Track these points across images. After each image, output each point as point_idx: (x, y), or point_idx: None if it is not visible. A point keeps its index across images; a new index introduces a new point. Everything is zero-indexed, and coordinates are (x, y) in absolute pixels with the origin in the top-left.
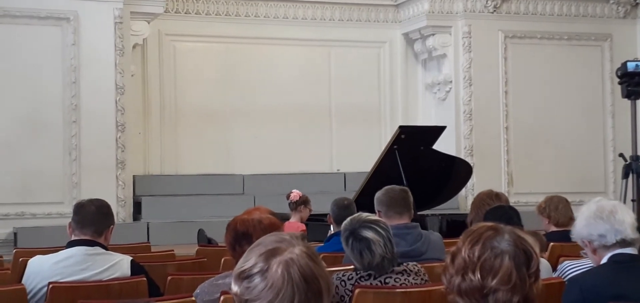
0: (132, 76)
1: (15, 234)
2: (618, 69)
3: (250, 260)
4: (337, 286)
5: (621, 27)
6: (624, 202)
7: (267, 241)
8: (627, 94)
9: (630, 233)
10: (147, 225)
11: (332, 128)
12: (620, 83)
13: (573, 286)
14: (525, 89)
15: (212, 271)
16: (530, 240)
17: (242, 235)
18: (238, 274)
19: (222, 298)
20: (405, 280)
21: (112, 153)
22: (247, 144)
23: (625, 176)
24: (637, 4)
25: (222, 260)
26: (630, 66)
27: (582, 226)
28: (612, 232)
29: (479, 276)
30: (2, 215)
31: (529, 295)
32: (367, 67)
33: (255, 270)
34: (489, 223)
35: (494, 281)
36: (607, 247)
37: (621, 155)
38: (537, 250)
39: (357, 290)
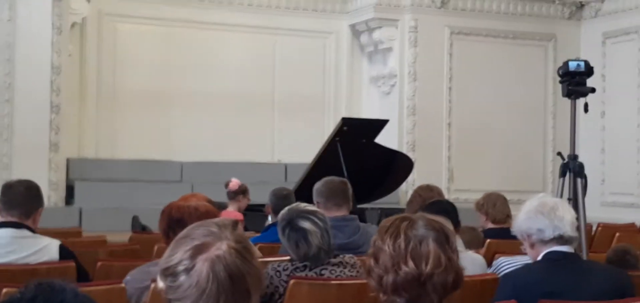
0: (69, 55)
1: None
2: (560, 68)
3: (176, 255)
4: (271, 277)
5: (565, 28)
6: None
7: (195, 234)
8: (568, 93)
9: (569, 231)
10: (80, 210)
11: (274, 117)
12: (561, 82)
13: (506, 282)
14: (469, 86)
15: (144, 258)
16: (441, 219)
17: (176, 222)
18: (163, 270)
19: (152, 285)
20: (340, 272)
21: (46, 134)
22: (187, 130)
23: (562, 174)
24: (582, 5)
25: (156, 247)
26: (572, 65)
27: (522, 220)
28: (550, 228)
29: (412, 264)
30: None
31: (458, 271)
32: (312, 57)
33: (180, 268)
34: (400, 215)
35: (428, 267)
36: (545, 242)
37: (559, 154)
38: (451, 226)
39: (291, 282)
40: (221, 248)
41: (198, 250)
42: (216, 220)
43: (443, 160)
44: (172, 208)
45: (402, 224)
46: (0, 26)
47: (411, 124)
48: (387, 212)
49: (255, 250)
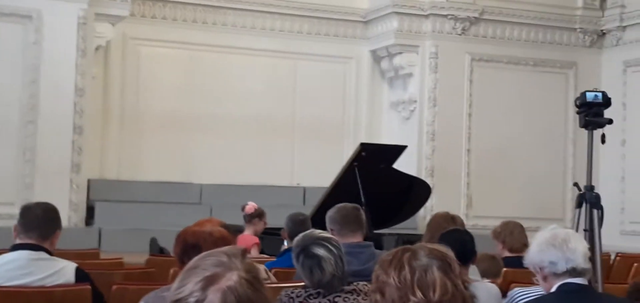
0: (93, 78)
1: None
2: (577, 99)
3: (186, 287)
4: None
5: (586, 56)
6: (577, 232)
7: (205, 264)
8: (585, 124)
9: (582, 263)
10: (100, 230)
11: (294, 141)
12: (578, 112)
13: None
14: (489, 112)
15: (160, 282)
16: (441, 247)
17: (191, 247)
18: (174, 302)
19: None
20: (354, 300)
21: (68, 155)
22: (207, 153)
23: (579, 205)
24: (603, 34)
25: (171, 271)
26: (589, 96)
27: (534, 253)
28: (563, 260)
29: (420, 294)
30: None
31: (465, 298)
32: (332, 82)
33: (192, 299)
34: (401, 247)
35: (436, 295)
36: (558, 275)
37: (575, 184)
38: (452, 253)
39: None
40: (232, 278)
41: (209, 281)
42: (225, 249)
43: (462, 186)
44: (187, 233)
45: (404, 255)
46: (26, 49)
47: (430, 150)
48: (404, 238)
49: (271, 276)
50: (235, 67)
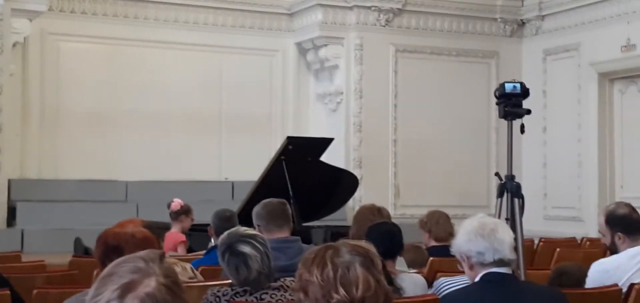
0: (11, 75)
1: None
2: (496, 90)
3: (103, 295)
4: (211, 302)
5: (507, 46)
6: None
7: (121, 271)
8: (504, 115)
9: (508, 254)
10: (22, 231)
11: (221, 135)
12: (498, 103)
13: None
14: (415, 102)
15: (83, 284)
16: (364, 243)
17: (112, 249)
18: None
19: None
20: (281, 296)
21: None
22: (132, 150)
23: (500, 195)
24: (523, 23)
25: (95, 272)
26: (508, 87)
27: (462, 242)
28: (491, 251)
29: (343, 291)
30: None
31: (387, 293)
32: (259, 75)
33: None
34: (323, 245)
35: (359, 291)
36: (484, 265)
37: (497, 174)
38: (374, 249)
39: None
40: (150, 284)
41: (126, 289)
42: (142, 253)
43: (389, 176)
44: (108, 235)
45: (327, 253)
46: None
47: (358, 141)
48: (333, 230)
49: (198, 274)
50: (159, 61)
